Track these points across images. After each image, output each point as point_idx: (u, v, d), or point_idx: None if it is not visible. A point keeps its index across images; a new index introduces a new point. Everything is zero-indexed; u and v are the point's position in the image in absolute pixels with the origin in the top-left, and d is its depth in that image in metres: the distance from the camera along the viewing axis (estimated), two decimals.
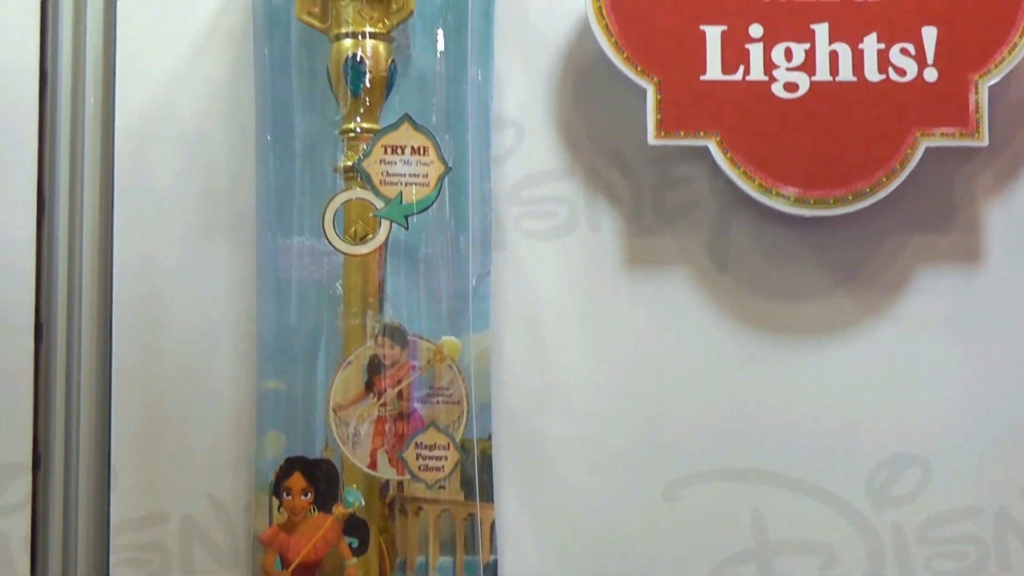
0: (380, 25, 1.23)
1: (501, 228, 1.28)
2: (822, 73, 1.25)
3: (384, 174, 1.21)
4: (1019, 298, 1.29)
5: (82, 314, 1.27)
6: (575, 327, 1.28)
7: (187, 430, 1.27)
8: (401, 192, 1.21)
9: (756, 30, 1.25)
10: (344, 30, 1.23)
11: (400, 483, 1.22)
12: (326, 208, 1.21)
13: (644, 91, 1.25)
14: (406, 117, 1.21)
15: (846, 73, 1.25)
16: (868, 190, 1.25)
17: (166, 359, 1.27)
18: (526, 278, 1.28)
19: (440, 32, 1.26)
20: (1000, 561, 1.26)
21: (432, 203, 1.21)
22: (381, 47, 1.23)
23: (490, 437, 1.25)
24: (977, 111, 1.25)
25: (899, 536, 1.27)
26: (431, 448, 1.21)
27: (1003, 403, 1.28)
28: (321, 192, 1.24)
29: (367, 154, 1.20)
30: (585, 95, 1.30)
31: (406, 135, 1.21)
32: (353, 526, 1.21)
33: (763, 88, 1.25)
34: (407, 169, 1.21)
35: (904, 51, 1.25)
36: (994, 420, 1.27)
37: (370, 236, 1.21)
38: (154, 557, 1.26)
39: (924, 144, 1.25)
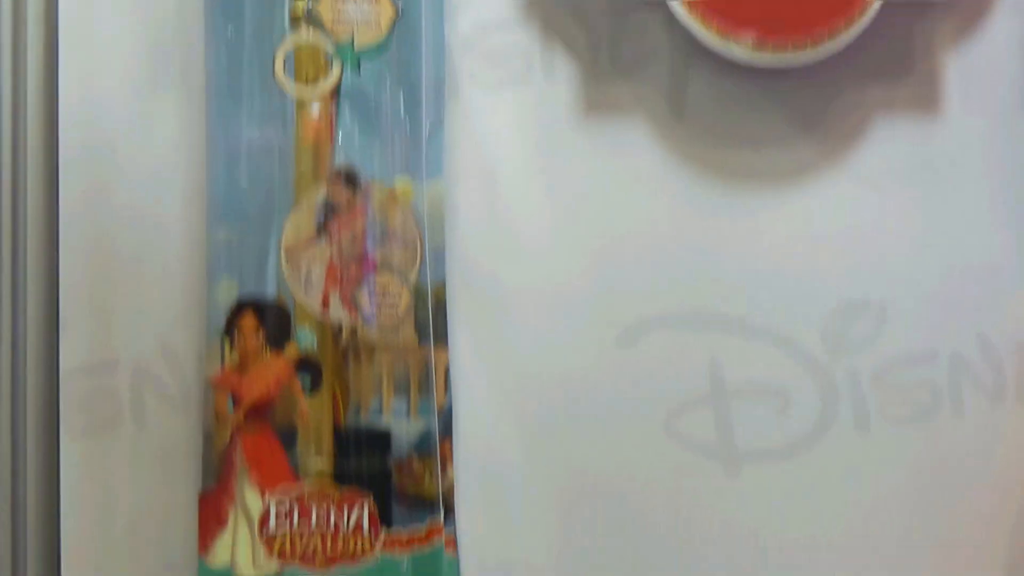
0: None
1: (454, 78, 1.26)
2: None
3: (336, 14, 1.19)
4: (976, 147, 1.28)
5: (28, 160, 1.25)
6: (530, 175, 1.27)
7: (137, 278, 1.25)
8: (353, 35, 1.19)
9: None
10: None
11: (353, 329, 1.21)
12: (276, 52, 1.19)
13: None
14: None
15: None
16: (828, 36, 1.23)
17: (114, 206, 1.25)
18: (480, 128, 1.27)
19: None
20: (954, 407, 1.26)
21: (384, 48, 1.19)
22: None
23: (444, 282, 1.24)
24: None
25: (854, 380, 1.27)
26: (384, 290, 1.20)
27: (960, 250, 1.27)
28: (272, 46, 1.21)
29: None
30: None
31: None
32: (306, 365, 1.20)
33: None
34: (358, 15, 1.19)
35: None
36: (951, 267, 1.27)
37: (322, 79, 1.19)
38: (105, 404, 1.25)
39: None
